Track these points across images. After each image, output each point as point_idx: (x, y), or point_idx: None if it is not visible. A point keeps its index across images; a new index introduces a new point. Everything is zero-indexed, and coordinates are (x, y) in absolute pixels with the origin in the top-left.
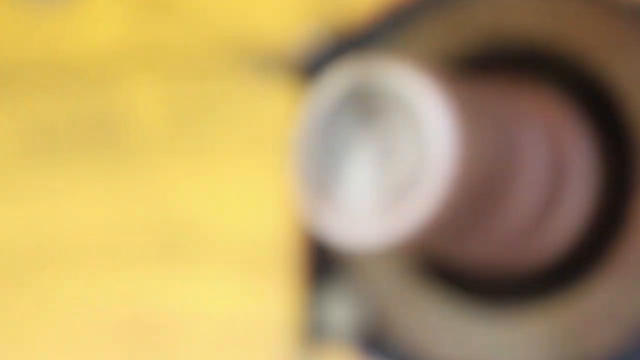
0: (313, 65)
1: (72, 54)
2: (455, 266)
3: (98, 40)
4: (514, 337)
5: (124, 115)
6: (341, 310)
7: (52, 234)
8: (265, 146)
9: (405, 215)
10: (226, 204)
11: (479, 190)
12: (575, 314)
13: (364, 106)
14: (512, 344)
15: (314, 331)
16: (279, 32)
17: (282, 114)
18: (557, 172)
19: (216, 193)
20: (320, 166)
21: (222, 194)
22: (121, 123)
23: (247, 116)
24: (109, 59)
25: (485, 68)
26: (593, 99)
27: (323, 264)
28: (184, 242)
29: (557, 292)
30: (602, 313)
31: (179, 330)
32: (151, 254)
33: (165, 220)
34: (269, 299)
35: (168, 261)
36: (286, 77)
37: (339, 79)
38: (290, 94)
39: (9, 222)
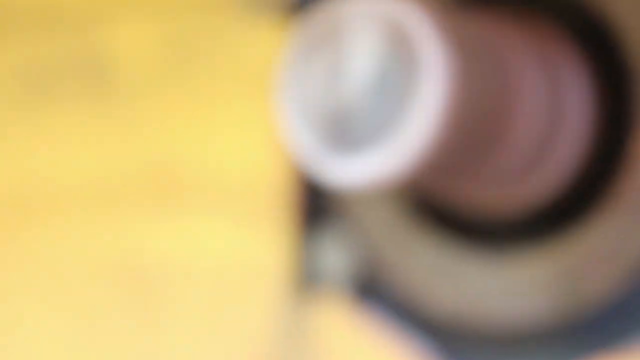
0: (299, 2)
1: None
2: (451, 207)
3: None
4: (511, 279)
5: (113, 59)
6: (334, 256)
7: (40, 179)
8: (256, 86)
9: (398, 151)
10: (218, 146)
11: (474, 126)
12: (574, 255)
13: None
14: (509, 286)
15: (307, 277)
16: None
17: (273, 54)
18: (556, 107)
19: (208, 135)
20: (306, 101)
21: (214, 136)
22: (110, 66)
23: (237, 56)
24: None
25: (478, 1)
26: (591, 33)
27: (316, 205)
28: (175, 185)
29: (555, 233)
30: (601, 254)
31: (169, 275)
32: (142, 197)
33: (156, 163)
34: (262, 242)
35: (159, 205)
36: (276, 16)
37: (324, 13)
38: (281, 33)
39: None
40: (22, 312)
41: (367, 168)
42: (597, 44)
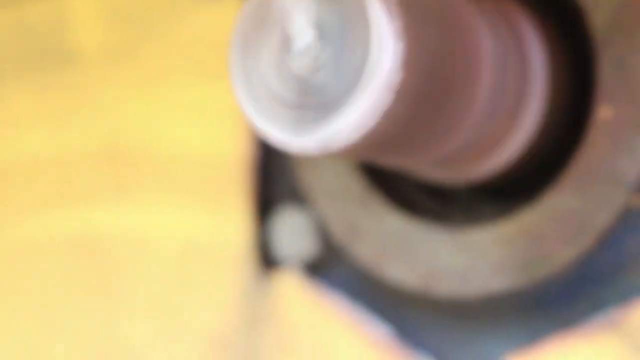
0: None
1: None
2: (406, 173)
3: None
4: (473, 242)
5: (67, 35)
6: (288, 236)
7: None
8: (214, 63)
9: (349, 119)
10: (176, 125)
11: (431, 89)
12: (535, 214)
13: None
14: (470, 249)
15: (265, 257)
16: None
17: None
18: (519, 71)
19: (165, 114)
20: (255, 69)
21: (172, 115)
22: (64, 43)
23: (193, 33)
24: None
25: None
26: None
27: (271, 184)
28: (133, 164)
29: (517, 197)
30: (562, 214)
31: (128, 256)
32: (102, 181)
33: (114, 145)
34: (223, 222)
35: (117, 185)
36: None
37: None
38: (238, 9)
39: None
40: None
41: (323, 135)
42: (560, 13)
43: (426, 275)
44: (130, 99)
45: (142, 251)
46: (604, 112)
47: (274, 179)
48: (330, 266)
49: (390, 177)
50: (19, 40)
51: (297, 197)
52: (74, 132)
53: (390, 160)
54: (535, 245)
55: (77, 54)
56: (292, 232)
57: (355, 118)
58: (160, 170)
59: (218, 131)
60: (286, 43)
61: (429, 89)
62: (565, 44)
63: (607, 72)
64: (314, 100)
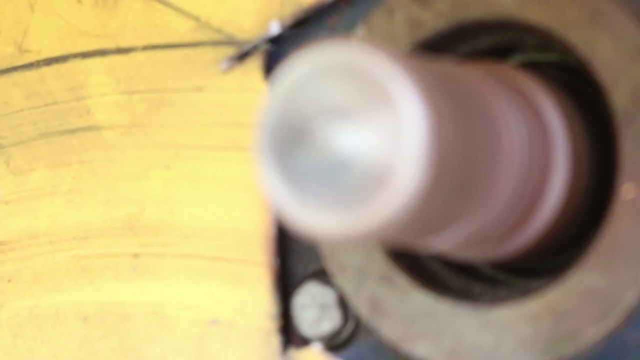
0: (272, 54)
1: None
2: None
3: None
4: (499, 320)
5: (85, 110)
6: (312, 312)
7: (15, 234)
8: (236, 134)
9: (379, 207)
10: (197, 198)
11: (456, 180)
12: (562, 294)
13: (326, 92)
14: (496, 326)
15: (288, 333)
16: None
17: (251, 103)
18: (542, 150)
19: (186, 186)
20: (281, 154)
21: (193, 187)
22: (82, 118)
23: (212, 102)
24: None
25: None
26: (572, 79)
27: (293, 258)
28: (155, 239)
29: (542, 274)
30: (588, 293)
31: (153, 330)
32: (121, 253)
33: (134, 218)
34: (247, 296)
35: (139, 261)
36: (253, 67)
37: (298, 64)
38: (260, 82)
39: None
40: None
41: (342, 225)
42: (579, 89)
43: (452, 353)
44: (149, 170)
45: (161, 325)
46: (627, 190)
47: (295, 253)
48: (353, 342)
49: (414, 254)
50: (33, 109)
51: (319, 272)
52: (92, 204)
53: (414, 245)
54: (562, 323)
55: (93, 123)
56: (315, 307)
57: (380, 209)
58: (180, 243)
59: (239, 204)
60: (316, 138)
61: (456, 177)
62: (586, 122)
63: (629, 149)
64: (349, 189)
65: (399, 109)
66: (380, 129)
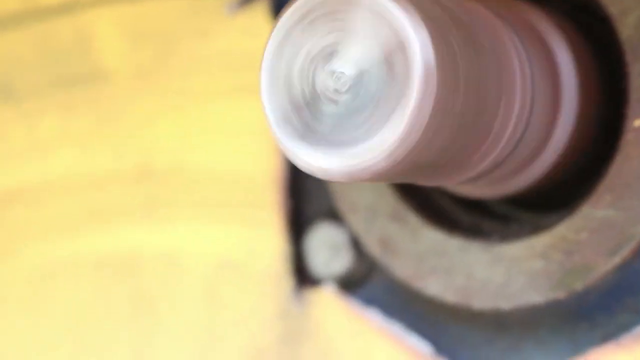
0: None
1: None
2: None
3: None
4: (509, 256)
5: (92, 58)
6: (324, 253)
7: (22, 180)
8: (244, 77)
9: (377, 146)
10: (207, 142)
11: (463, 116)
12: (572, 228)
13: (330, 24)
14: (507, 262)
15: (300, 273)
16: None
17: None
18: (550, 82)
19: (196, 131)
20: (287, 94)
21: (203, 132)
22: (90, 66)
23: (219, 46)
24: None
25: None
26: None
27: (303, 200)
28: (166, 184)
29: (554, 207)
30: (599, 226)
31: (163, 275)
32: (133, 199)
33: (145, 163)
34: (259, 238)
35: (151, 206)
36: (259, 11)
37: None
38: (265, 28)
39: None
40: (10, 318)
41: (349, 162)
42: (589, 23)
43: (463, 289)
44: (159, 117)
45: (174, 269)
46: (637, 123)
47: (307, 195)
48: (365, 281)
49: (424, 191)
50: (44, 60)
51: (331, 212)
52: (103, 152)
53: (421, 182)
54: (573, 257)
55: (102, 72)
56: (327, 248)
57: (383, 145)
58: (191, 187)
59: (250, 147)
60: (325, 54)
61: (463, 111)
62: (594, 54)
63: (638, 81)
64: (353, 121)
65: (405, 54)
66: (386, 71)
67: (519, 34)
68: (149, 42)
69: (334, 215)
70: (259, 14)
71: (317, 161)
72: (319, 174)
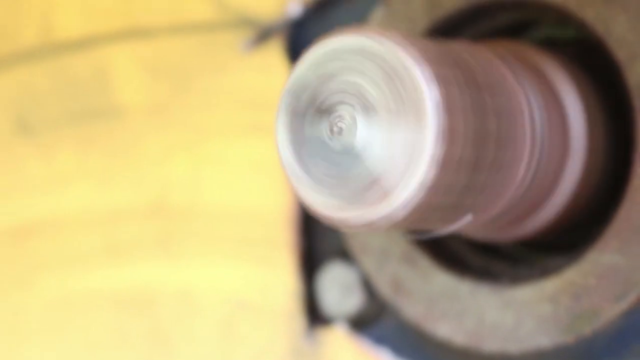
0: (293, 36)
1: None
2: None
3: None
4: (519, 299)
5: (109, 93)
6: (335, 292)
7: (41, 216)
8: (259, 115)
9: (395, 198)
10: (222, 180)
11: (474, 163)
12: (580, 273)
13: (344, 80)
14: (517, 306)
15: (312, 312)
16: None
17: (272, 84)
18: (559, 128)
19: (211, 168)
20: (296, 138)
21: (218, 170)
22: (107, 102)
23: (235, 84)
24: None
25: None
26: (587, 56)
27: (315, 240)
28: (181, 222)
29: (561, 250)
30: (606, 272)
31: (180, 311)
32: (148, 236)
33: (160, 200)
34: (272, 276)
35: (166, 243)
36: (274, 48)
37: (321, 47)
38: (281, 63)
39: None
40: (25, 348)
41: (356, 214)
42: (595, 66)
43: (474, 333)
44: (174, 153)
45: (188, 306)
46: None
47: (319, 234)
48: (376, 321)
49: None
50: (60, 94)
51: (342, 251)
52: (119, 187)
53: (431, 228)
54: (581, 302)
55: (119, 107)
56: (338, 287)
57: (403, 195)
58: (206, 225)
59: (264, 184)
60: (330, 125)
61: (473, 159)
62: (602, 99)
63: None
64: (366, 177)
65: (416, 101)
66: (393, 120)
67: (528, 80)
68: (165, 78)
69: (345, 254)
70: (274, 52)
71: (336, 212)
72: (338, 224)
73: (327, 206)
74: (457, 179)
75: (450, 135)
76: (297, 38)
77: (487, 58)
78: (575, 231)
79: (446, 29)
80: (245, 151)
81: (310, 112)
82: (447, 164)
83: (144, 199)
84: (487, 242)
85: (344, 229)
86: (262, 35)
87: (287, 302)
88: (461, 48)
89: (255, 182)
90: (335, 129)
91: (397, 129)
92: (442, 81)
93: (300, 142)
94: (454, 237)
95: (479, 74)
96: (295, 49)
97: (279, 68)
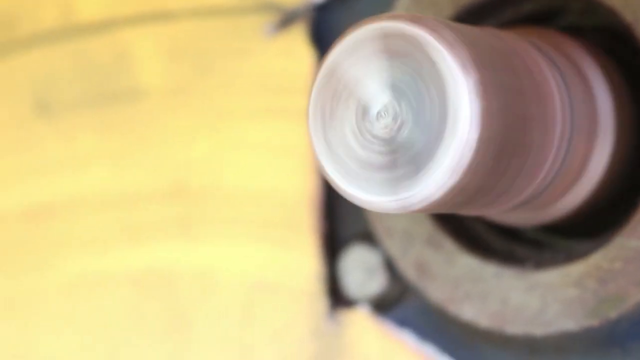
0: (317, 20)
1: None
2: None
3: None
4: (544, 283)
5: (129, 75)
6: (358, 274)
7: (61, 197)
8: (280, 97)
9: (431, 179)
10: (243, 160)
11: (507, 147)
12: (606, 257)
13: (380, 62)
14: (542, 289)
15: (334, 294)
16: None
17: (295, 68)
18: (588, 113)
19: (231, 149)
20: (338, 141)
21: (238, 150)
22: (127, 83)
23: (255, 66)
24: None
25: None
26: (612, 45)
27: (338, 221)
28: (201, 202)
29: (588, 234)
30: (632, 256)
31: (200, 292)
32: (168, 217)
33: (180, 181)
34: (294, 257)
35: (186, 224)
36: (298, 33)
37: (356, 31)
38: (304, 47)
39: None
40: (43, 330)
41: (404, 196)
42: (622, 53)
43: (498, 315)
44: (195, 135)
45: (209, 286)
46: None
47: (342, 215)
48: (399, 303)
49: (459, 217)
50: (81, 77)
51: (365, 234)
52: (139, 169)
53: (464, 212)
54: (607, 286)
55: (139, 90)
56: (361, 269)
57: (437, 177)
58: (227, 205)
59: (286, 166)
60: (364, 109)
61: (506, 142)
62: (629, 86)
63: None
64: (400, 158)
65: (451, 84)
66: (427, 105)
67: (557, 64)
68: (186, 60)
69: (367, 236)
70: (298, 35)
71: (370, 196)
72: (371, 208)
73: (361, 190)
74: (491, 162)
75: (484, 117)
76: (321, 22)
77: (517, 41)
78: (602, 217)
79: (471, 17)
80: (267, 134)
81: (344, 95)
82: (481, 147)
83: (164, 181)
84: (510, 227)
85: (377, 212)
86: (286, 19)
87: (307, 284)
88: (492, 32)
89: (276, 165)
90: (369, 112)
91: (432, 112)
92: (477, 64)
93: (333, 126)
94: (478, 221)
95: (512, 57)
96: (318, 34)
97: (302, 52)
